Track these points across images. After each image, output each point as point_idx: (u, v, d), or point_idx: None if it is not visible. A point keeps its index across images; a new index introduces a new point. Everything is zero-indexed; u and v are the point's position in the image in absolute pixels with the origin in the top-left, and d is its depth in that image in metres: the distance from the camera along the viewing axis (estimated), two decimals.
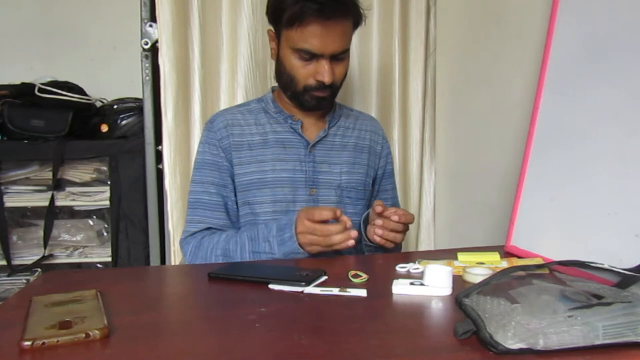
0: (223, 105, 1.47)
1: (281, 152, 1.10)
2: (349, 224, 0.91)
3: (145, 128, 1.49)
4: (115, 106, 1.66)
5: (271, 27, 1.08)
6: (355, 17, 1.05)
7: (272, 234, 0.97)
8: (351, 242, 0.90)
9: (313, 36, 0.98)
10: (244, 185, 1.09)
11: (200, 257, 1.03)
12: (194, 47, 1.45)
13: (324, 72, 1.01)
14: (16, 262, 1.60)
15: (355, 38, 1.61)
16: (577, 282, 0.63)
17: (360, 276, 0.77)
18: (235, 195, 1.11)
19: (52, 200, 1.57)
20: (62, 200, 1.61)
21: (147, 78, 1.47)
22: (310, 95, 1.05)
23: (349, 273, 0.78)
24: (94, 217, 1.68)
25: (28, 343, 0.51)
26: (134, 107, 1.65)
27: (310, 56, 1.01)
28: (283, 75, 1.07)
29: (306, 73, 1.03)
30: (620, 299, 0.53)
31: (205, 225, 1.08)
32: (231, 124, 1.12)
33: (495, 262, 0.84)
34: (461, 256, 0.87)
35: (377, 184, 1.24)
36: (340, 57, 1.03)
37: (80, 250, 1.66)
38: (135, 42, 1.46)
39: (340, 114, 1.20)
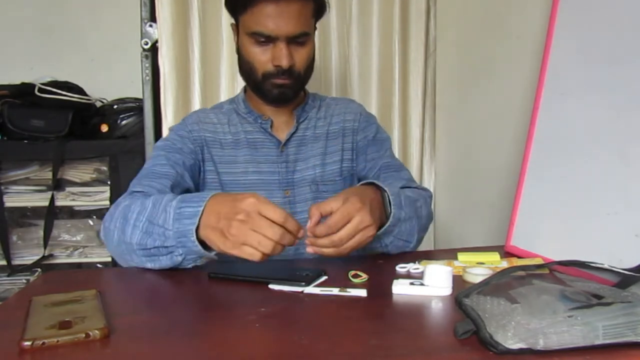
0: None
1: (253, 153, 1.05)
2: (300, 233, 0.73)
3: (145, 128, 1.50)
4: (115, 106, 1.66)
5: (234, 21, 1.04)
6: (315, 1, 0.98)
7: (172, 203, 0.77)
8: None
9: (265, 17, 0.93)
10: (213, 184, 1.04)
11: (109, 214, 0.87)
12: (194, 47, 1.45)
13: (280, 55, 0.95)
14: (16, 262, 1.60)
15: (355, 38, 1.62)
16: (577, 282, 0.63)
17: (360, 276, 0.77)
18: (199, 189, 1.04)
19: (52, 200, 1.57)
20: (62, 200, 1.61)
21: (147, 78, 1.47)
22: (271, 84, 0.99)
23: (349, 273, 0.78)
24: (94, 217, 1.68)
25: (28, 343, 0.51)
26: (134, 107, 1.65)
27: (266, 39, 0.95)
28: (243, 66, 1.02)
29: (264, 59, 0.98)
30: (620, 299, 0.53)
31: (147, 190, 0.90)
32: (204, 121, 1.07)
33: (495, 262, 0.84)
34: (461, 256, 0.87)
35: (363, 159, 1.12)
36: (299, 40, 0.97)
37: (80, 250, 1.66)
38: (135, 42, 1.46)
39: (313, 106, 1.13)
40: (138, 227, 0.79)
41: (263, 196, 0.72)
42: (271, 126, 1.07)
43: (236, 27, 1.03)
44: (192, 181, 1.01)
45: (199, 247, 0.74)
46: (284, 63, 0.96)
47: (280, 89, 1.00)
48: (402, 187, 1.02)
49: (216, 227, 0.72)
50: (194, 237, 0.73)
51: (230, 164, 1.05)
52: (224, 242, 0.71)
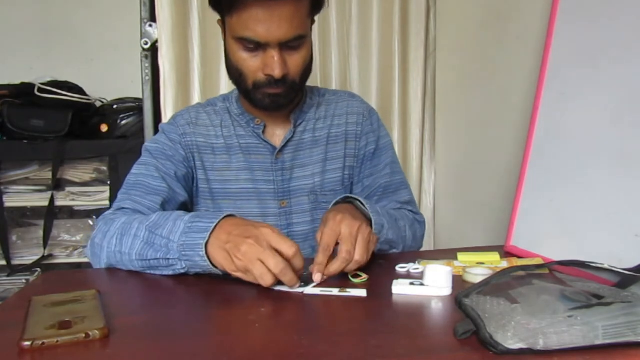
0: None
1: (246, 160, 0.99)
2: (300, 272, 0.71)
3: (145, 128, 1.50)
4: (115, 106, 1.67)
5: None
6: None
7: (184, 217, 0.76)
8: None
9: (254, 21, 0.83)
10: (204, 193, 0.99)
11: (100, 231, 0.84)
12: (194, 47, 1.45)
13: (272, 63, 0.86)
14: (16, 262, 1.60)
15: (355, 38, 1.62)
16: (577, 282, 0.63)
17: (360, 276, 0.77)
18: (193, 199, 1.01)
19: (51, 200, 1.57)
20: (62, 200, 1.61)
21: (147, 78, 1.47)
22: (262, 93, 0.90)
23: (349, 273, 0.78)
24: (94, 217, 1.68)
25: (28, 343, 0.51)
26: (134, 107, 1.65)
27: (256, 45, 0.86)
28: (231, 71, 0.93)
29: (254, 66, 0.88)
30: (620, 299, 0.53)
31: (138, 208, 0.89)
32: (196, 123, 1.00)
33: (495, 262, 0.84)
34: (461, 256, 0.87)
35: (359, 172, 1.06)
36: (293, 45, 0.87)
37: (80, 250, 1.66)
38: (135, 42, 1.46)
39: (311, 105, 1.04)
40: (139, 237, 0.78)
41: (278, 229, 0.71)
42: (265, 130, 1.00)
43: (223, 26, 0.93)
44: (185, 192, 0.97)
45: (207, 262, 0.72)
46: (277, 73, 0.87)
47: (273, 98, 0.92)
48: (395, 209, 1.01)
49: (224, 248, 0.70)
50: (203, 252, 0.71)
51: (222, 171, 0.99)
52: (229, 264, 0.70)
